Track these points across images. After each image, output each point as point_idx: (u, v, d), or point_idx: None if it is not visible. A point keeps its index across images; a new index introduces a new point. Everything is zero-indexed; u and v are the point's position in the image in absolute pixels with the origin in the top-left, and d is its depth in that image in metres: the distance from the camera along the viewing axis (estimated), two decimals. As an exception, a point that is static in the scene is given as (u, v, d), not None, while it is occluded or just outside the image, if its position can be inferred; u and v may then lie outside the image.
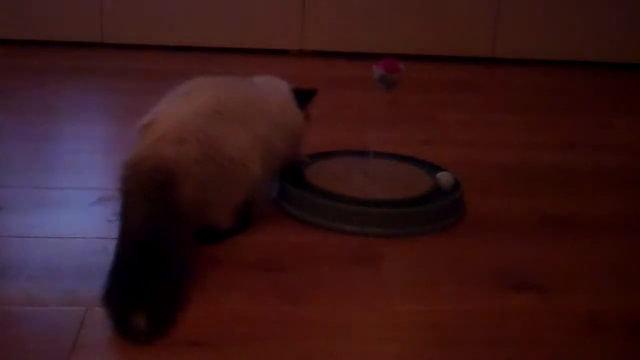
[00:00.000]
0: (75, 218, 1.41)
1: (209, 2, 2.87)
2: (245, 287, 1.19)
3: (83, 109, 2.09)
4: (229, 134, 1.28)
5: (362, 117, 2.03)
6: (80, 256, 1.25)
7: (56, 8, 2.82)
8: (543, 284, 1.23)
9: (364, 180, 1.54)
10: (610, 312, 1.16)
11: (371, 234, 1.38)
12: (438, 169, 1.58)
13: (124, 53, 2.80)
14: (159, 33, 2.88)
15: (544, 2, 2.96)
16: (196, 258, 1.26)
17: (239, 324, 1.08)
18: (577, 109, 2.43)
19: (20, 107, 2.09)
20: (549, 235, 1.43)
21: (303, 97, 1.50)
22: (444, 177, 1.50)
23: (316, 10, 2.91)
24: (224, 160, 1.25)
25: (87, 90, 2.30)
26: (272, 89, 1.48)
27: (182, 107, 1.29)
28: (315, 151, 1.63)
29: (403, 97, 2.15)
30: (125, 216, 1.14)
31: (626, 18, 2.99)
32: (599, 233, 1.46)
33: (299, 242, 1.35)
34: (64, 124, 1.95)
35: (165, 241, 1.10)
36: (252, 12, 2.90)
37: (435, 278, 1.24)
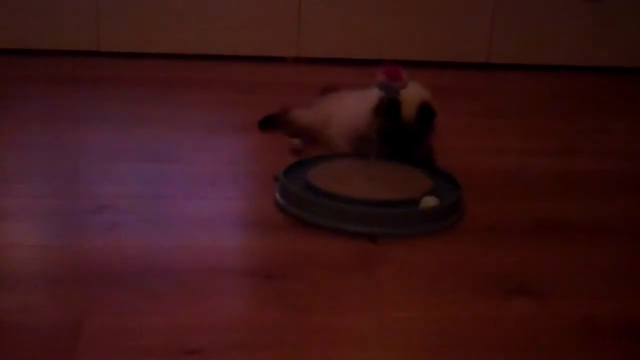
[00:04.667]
0: (75, 227, 1.40)
1: (205, 9, 2.88)
2: (243, 294, 1.20)
3: (80, 117, 2.08)
4: None
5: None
6: (79, 265, 1.25)
7: (52, 17, 2.82)
8: (541, 288, 1.23)
9: (365, 181, 1.56)
10: (608, 317, 1.17)
11: (371, 233, 1.39)
12: (436, 171, 1.62)
13: (120, 61, 2.80)
14: (156, 41, 2.88)
15: (539, 7, 2.97)
16: (195, 263, 1.26)
17: (237, 331, 1.08)
18: (574, 114, 2.43)
19: (17, 116, 2.09)
20: (547, 240, 1.43)
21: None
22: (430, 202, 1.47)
23: (312, 17, 2.92)
24: None
25: (84, 98, 2.30)
26: None
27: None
28: (317, 154, 1.68)
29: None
30: None
31: (622, 22, 3.00)
32: (597, 238, 1.46)
33: (297, 249, 1.35)
34: (62, 133, 1.95)
35: None
36: (248, 19, 2.90)
37: (434, 284, 1.24)
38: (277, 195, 1.51)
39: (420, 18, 2.94)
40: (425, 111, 1.61)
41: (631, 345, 1.10)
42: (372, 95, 1.63)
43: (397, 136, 1.61)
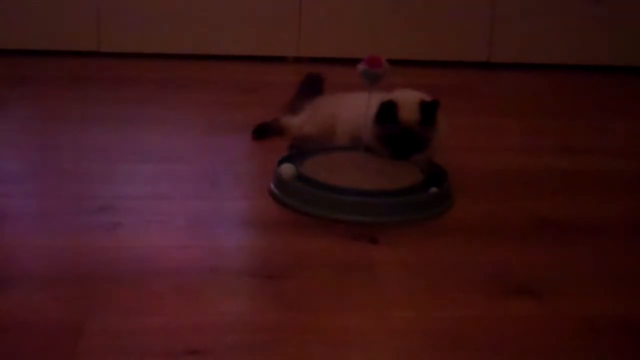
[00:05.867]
0: (75, 227, 1.40)
1: (206, 10, 2.88)
2: (243, 294, 1.20)
3: (81, 118, 2.09)
4: None
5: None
6: (80, 265, 1.25)
7: (53, 17, 2.82)
8: (541, 288, 1.23)
9: (356, 172, 1.58)
10: (607, 317, 1.17)
11: (360, 222, 1.44)
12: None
13: (120, 61, 2.80)
14: (156, 41, 2.89)
15: (539, 7, 2.96)
16: (195, 263, 1.26)
17: (238, 331, 1.08)
18: (574, 113, 2.43)
19: (18, 117, 2.09)
20: (547, 240, 1.43)
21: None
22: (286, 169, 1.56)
23: (313, 18, 2.92)
24: None
25: (85, 99, 2.30)
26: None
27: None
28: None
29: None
30: None
31: (621, 22, 3.00)
32: (596, 237, 1.46)
33: (297, 249, 1.35)
34: (63, 133, 1.95)
35: None
36: (249, 19, 2.90)
37: (433, 284, 1.24)
38: (272, 185, 1.56)
39: (421, 18, 2.94)
40: (427, 107, 1.61)
41: (631, 345, 1.10)
42: (373, 99, 1.62)
43: (400, 140, 1.61)
